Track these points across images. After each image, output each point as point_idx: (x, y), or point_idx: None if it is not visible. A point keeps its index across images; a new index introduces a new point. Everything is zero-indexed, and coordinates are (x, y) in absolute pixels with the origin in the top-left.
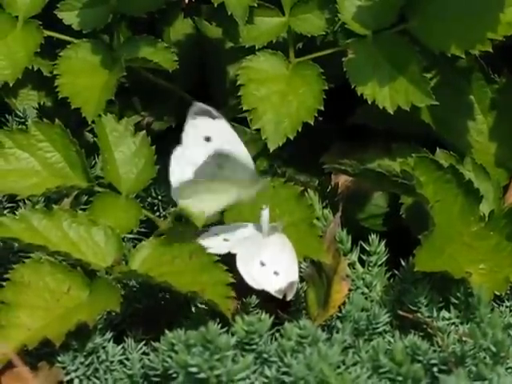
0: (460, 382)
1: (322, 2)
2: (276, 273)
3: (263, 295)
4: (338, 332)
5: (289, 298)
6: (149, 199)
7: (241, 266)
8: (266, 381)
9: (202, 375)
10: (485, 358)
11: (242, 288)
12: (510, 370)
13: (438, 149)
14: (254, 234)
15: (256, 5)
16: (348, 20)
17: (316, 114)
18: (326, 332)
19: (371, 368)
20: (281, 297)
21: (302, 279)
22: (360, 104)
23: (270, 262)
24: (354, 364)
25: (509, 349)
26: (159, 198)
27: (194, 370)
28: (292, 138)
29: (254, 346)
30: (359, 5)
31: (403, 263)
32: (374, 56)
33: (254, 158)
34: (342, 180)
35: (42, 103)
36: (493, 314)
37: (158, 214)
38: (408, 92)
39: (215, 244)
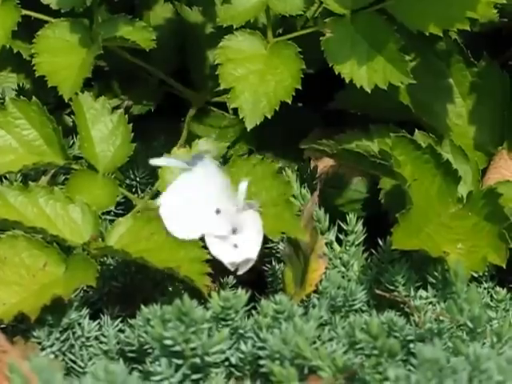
0: (436, 352)
1: None
2: (235, 246)
3: (241, 276)
4: (314, 308)
5: (240, 272)
6: (127, 181)
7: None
8: (241, 356)
9: (177, 348)
10: (462, 335)
11: (219, 268)
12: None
13: (416, 130)
14: (228, 208)
15: None
16: None
17: (296, 98)
18: (302, 308)
19: (347, 344)
20: (232, 269)
21: (279, 260)
22: (339, 89)
23: (232, 234)
24: (330, 340)
25: (486, 327)
26: (137, 179)
27: (168, 342)
28: (270, 117)
29: (230, 322)
30: None
31: (381, 243)
32: (351, 35)
33: (234, 143)
34: (322, 165)
35: (21, 85)
36: (470, 289)
37: (136, 195)
38: (385, 71)
39: None
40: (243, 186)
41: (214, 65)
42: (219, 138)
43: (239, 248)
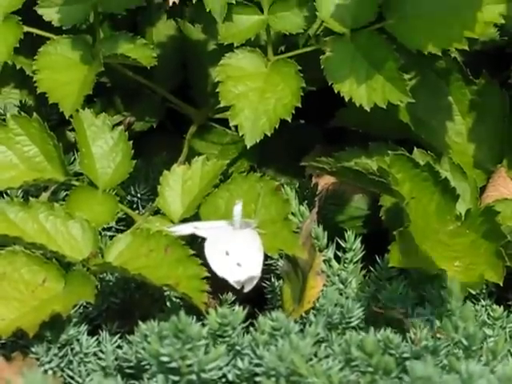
0: (428, 369)
1: (300, 0)
2: (239, 264)
3: (240, 293)
4: (311, 325)
5: (246, 290)
6: (128, 197)
7: (208, 250)
8: (238, 373)
9: (174, 364)
10: (458, 353)
11: (218, 285)
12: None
13: (415, 148)
14: (226, 226)
15: (234, 2)
16: (326, 18)
17: (298, 115)
18: (299, 325)
19: (343, 361)
20: (238, 287)
21: (278, 277)
22: (340, 107)
23: (234, 253)
24: (327, 357)
25: (482, 345)
26: (138, 195)
27: (165, 359)
28: (269, 134)
29: (227, 339)
30: (337, 3)
31: (379, 260)
32: (351, 54)
33: (235, 160)
34: (323, 182)
35: (23, 101)
36: (465, 307)
37: (137, 211)
38: (385, 90)
39: (184, 228)
40: (238, 207)
41: (216, 82)
42: (221, 154)
43: (242, 266)
